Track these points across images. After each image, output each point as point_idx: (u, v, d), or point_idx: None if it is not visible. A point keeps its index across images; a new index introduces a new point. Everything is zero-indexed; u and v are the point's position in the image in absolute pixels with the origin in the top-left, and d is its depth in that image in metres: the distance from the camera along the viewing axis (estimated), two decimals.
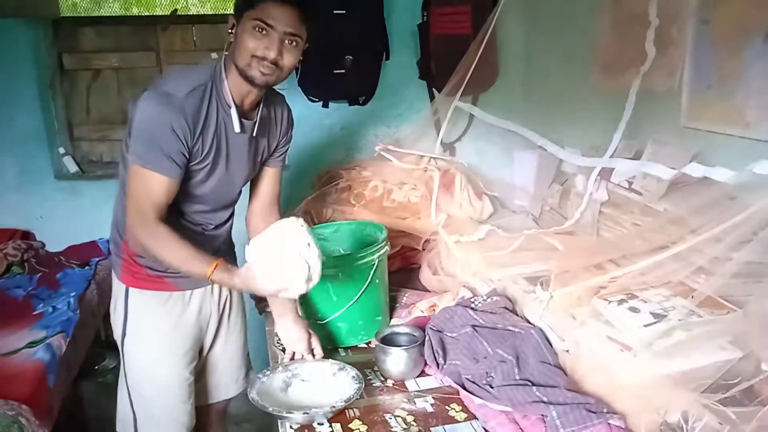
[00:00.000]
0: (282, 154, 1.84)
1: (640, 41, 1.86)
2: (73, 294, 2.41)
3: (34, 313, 2.31)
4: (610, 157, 1.89)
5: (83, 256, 2.78)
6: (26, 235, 2.91)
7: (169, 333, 1.73)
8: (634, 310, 1.40)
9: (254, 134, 1.65)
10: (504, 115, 2.53)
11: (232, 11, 1.54)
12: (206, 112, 1.53)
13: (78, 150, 3.11)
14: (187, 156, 1.52)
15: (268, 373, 1.63)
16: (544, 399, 1.32)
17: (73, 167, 3.03)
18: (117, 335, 1.75)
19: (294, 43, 1.50)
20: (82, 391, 2.51)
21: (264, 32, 1.46)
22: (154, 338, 1.72)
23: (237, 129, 1.59)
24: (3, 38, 2.75)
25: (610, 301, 1.45)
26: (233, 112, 1.57)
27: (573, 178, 2.09)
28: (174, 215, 1.61)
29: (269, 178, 1.84)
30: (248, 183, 1.81)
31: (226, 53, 1.58)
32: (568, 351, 1.49)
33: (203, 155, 1.56)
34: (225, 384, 1.97)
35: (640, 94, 1.87)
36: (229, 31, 1.53)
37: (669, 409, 1.19)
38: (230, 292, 1.89)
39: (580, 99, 2.32)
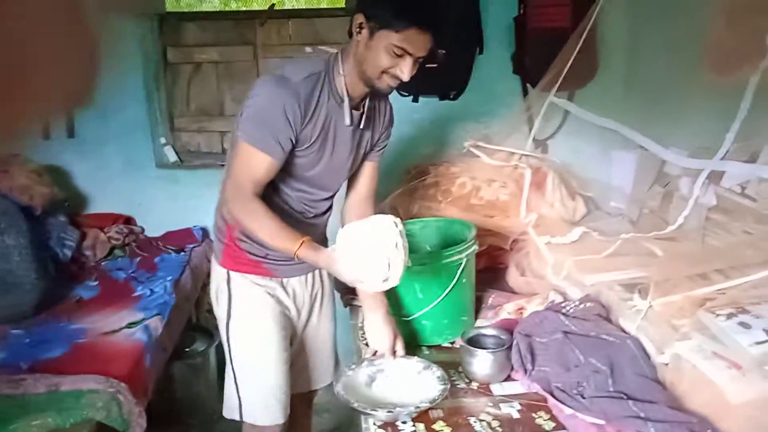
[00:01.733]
0: (381, 149, 1.85)
1: (759, 33, 1.72)
2: (169, 278, 2.53)
3: (134, 295, 2.44)
4: (722, 159, 1.76)
5: (179, 242, 2.91)
6: (128, 221, 3.08)
7: (272, 315, 1.77)
8: (744, 325, 1.30)
9: (360, 126, 1.69)
10: (602, 113, 2.42)
11: (359, 8, 1.53)
12: (318, 99, 1.57)
13: (177, 140, 3.25)
14: (294, 141, 1.57)
15: (353, 367, 1.63)
16: (642, 415, 1.25)
17: (173, 157, 3.17)
18: (221, 318, 1.79)
19: (420, 60, 1.54)
20: (173, 371, 2.63)
21: (401, 55, 1.50)
22: (259, 320, 1.76)
23: (348, 122, 1.64)
24: (113, 32, 2.90)
25: (718, 315, 1.35)
26: (346, 105, 1.62)
27: (677, 181, 1.97)
28: (278, 198, 1.68)
29: (367, 172, 1.85)
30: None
31: (339, 48, 1.63)
32: (667, 364, 1.40)
33: (311, 142, 1.61)
34: (314, 375, 2.00)
35: (757, 92, 1.73)
36: (357, 30, 1.53)
37: None
38: (322, 284, 1.93)
39: (688, 96, 2.18)
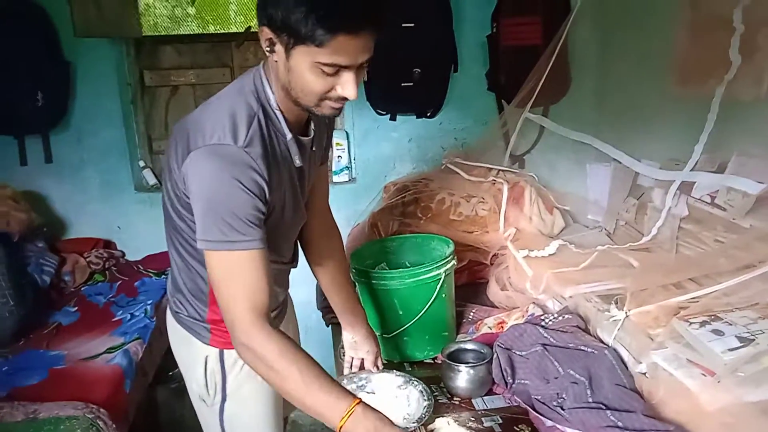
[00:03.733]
0: (326, 151, 1.60)
1: (722, 48, 1.77)
2: (150, 302, 2.51)
3: (114, 319, 2.43)
4: (691, 170, 1.79)
5: (160, 265, 2.89)
6: (108, 245, 3.06)
7: (268, 387, 1.45)
8: (717, 332, 1.32)
9: (312, 150, 1.43)
10: (576, 127, 2.46)
11: (261, 17, 1.16)
12: (269, 150, 1.25)
13: (156, 163, 3.25)
14: (265, 211, 1.24)
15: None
16: (620, 424, 1.26)
17: (152, 179, 3.16)
18: (212, 402, 1.55)
19: (366, 64, 1.20)
20: (156, 396, 2.60)
21: (336, 72, 1.16)
22: (257, 396, 1.55)
23: (298, 163, 1.34)
24: (91, 57, 2.91)
25: (692, 323, 1.37)
26: (291, 144, 1.31)
27: (650, 192, 2.00)
28: None
29: (320, 178, 1.61)
30: None
31: (258, 68, 1.29)
32: (645, 374, 1.41)
33: (278, 197, 1.31)
34: (288, 402, 1.93)
35: (723, 104, 1.77)
36: (268, 49, 1.19)
37: None
38: (286, 310, 1.76)
39: (658, 110, 2.22)
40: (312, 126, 1.39)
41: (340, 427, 1.15)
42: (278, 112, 1.27)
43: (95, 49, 2.91)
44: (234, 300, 1.20)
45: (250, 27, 3.12)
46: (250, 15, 3.32)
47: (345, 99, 1.21)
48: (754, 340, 1.27)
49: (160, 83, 3.16)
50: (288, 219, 1.41)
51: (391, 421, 1.20)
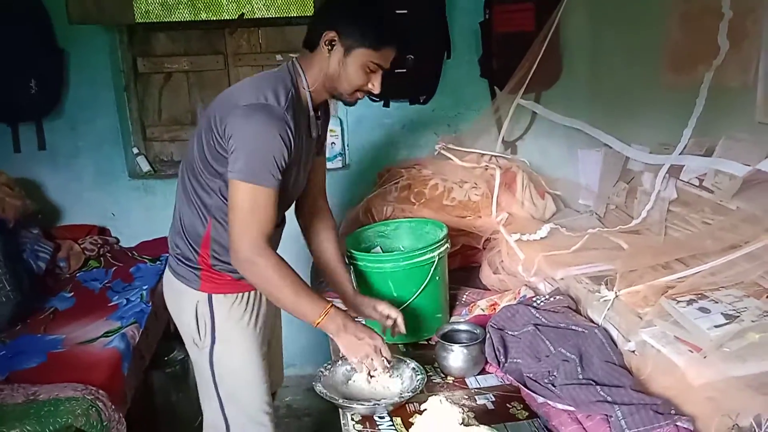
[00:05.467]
0: (324, 143, 1.86)
1: (712, 35, 1.79)
2: (145, 287, 2.53)
3: (110, 304, 2.44)
4: (680, 154, 1.83)
5: (154, 251, 2.91)
6: (102, 231, 3.07)
7: (254, 332, 1.75)
8: (704, 310, 1.36)
9: (320, 133, 1.72)
10: (568, 113, 2.49)
11: (329, 23, 1.53)
12: (296, 121, 1.54)
13: (150, 150, 3.25)
14: (288, 163, 1.52)
15: (329, 367, 1.66)
16: (609, 399, 1.30)
17: (145, 166, 3.17)
18: (203, 345, 1.72)
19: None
20: (152, 380, 2.62)
21: (374, 71, 1.56)
22: (243, 339, 1.73)
23: (314, 135, 1.67)
24: (84, 44, 2.91)
25: (679, 301, 1.41)
26: (312, 119, 1.64)
27: (640, 176, 2.04)
28: None
29: (317, 168, 1.85)
30: None
31: (295, 56, 1.63)
32: (634, 351, 1.45)
33: (295, 159, 1.57)
34: (275, 376, 2.00)
35: (712, 90, 1.80)
36: (328, 48, 1.53)
37: (741, 412, 1.14)
38: None
39: (648, 95, 2.26)
40: (320, 113, 1.69)
41: (318, 323, 1.53)
42: (309, 94, 1.60)
43: (88, 37, 2.90)
44: (250, 224, 1.48)
45: (243, 14, 3.13)
46: (242, 1, 3.32)
47: (369, 92, 1.60)
48: (738, 316, 1.31)
49: (154, 70, 3.16)
50: (292, 182, 1.65)
51: (355, 319, 1.60)
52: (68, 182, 3.05)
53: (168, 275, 1.78)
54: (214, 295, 1.70)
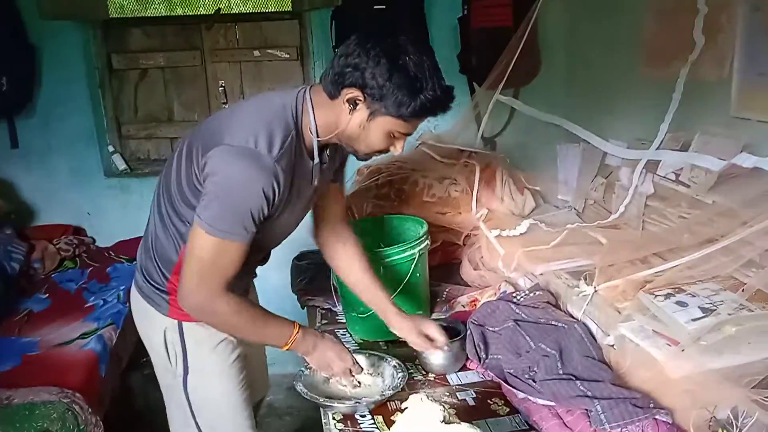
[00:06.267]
0: (342, 171, 1.70)
1: (687, 30, 1.81)
2: (122, 287, 2.50)
3: (86, 305, 2.41)
4: (657, 149, 1.84)
5: (132, 251, 2.84)
6: (78, 231, 3.03)
7: (229, 358, 1.62)
8: (681, 304, 1.37)
9: (324, 173, 1.53)
10: (546, 109, 2.50)
11: (355, 80, 1.28)
12: (293, 168, 1.37)
13: (126, 148, 3.21)
14: (267, 215, 1.36)
15: (310, 365, 1.64)
16: (589, 393, 1.31)
17: (121, 165, 3.12)
18: (176, 374, 1.60)
19: None
20: (130, 382, 2.59)
21: (399, 138, 1.38)
22: (218, 366, 1.61)
23: (315, 183, 1.49)
24: (56, 40, 2.85)
25: (657, 295, 1.42)
26: (316, 166, 1.45)
27: (617, 171, 2.05)
28: None
29: (335, 195, 1.70)
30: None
31: (308, 88, 1.41)
32: (612, 346, 1.46)
33: (275, 211, 1.40)
34: (260, 385, 1.96)
35: (687, 85, 1.82)
36: (350, 107, 1.32)
37: (718, 405, 1.16)
38: (255, 298, 1.85)
39: (626, 91, 2.27)
40: (327, 155, 1.49)
41: (286, 349, 1.47)
42: (316, 141, 1.40)
43: (61, 32, 2.85)
44: (209, 276, 1.35)
45: (219, 9, 3.09)
46: None
47: (387, 152, 1.41)
48: (715, 310, 1.32)
49: (129, 66, 3.12)
50: (277, 227, 1.50)
51: (326, 335, 1.56)
52: (42, 181, 3.00)
53: (135, 294, 1.63)
54: (184, 323, 1.56)
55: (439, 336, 1.59)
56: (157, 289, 1.56)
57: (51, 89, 2.92)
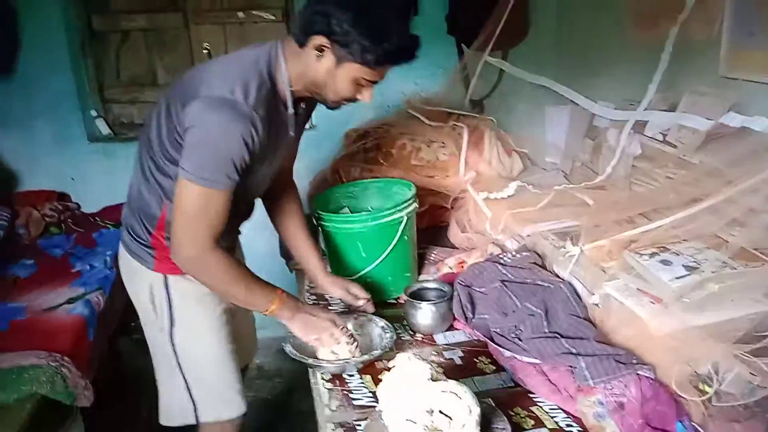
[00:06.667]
0: (304, 125, 1.71)
1: None
2: (108, 253, 2.48)
3: (73, 271, 2.39)
4: (645, 109, 1.84)
5: (117, 216, 2.83)
6: (62, 197, 2.99)
7: (215, 310, 1.67)
8: (666, 262, 1.38)
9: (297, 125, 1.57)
10: (535, 70, 2.48)
11: (321, 26, 1.31)
12: (269, 117, 1.40)
13: (109, 112, 3.16)
14: (249, 163, 1.39)
15: None
16: (573, 350, 1.32)
17: (105, 129, 3.08)
18: (162, 327, 1.65)
19: None
20: (119, 346, 2.60)
21: (366, 85, 1.42)
22: (204, 319, 1.66)
23: (292, 133, 1.54)
24: (35, 2, 2.77)
25: (642, 255, 1.43)
26: (291, 116, 1.49)
27: (605, 133, 2.05)
28: None
29: (291, 147, 1.70)
30: None
31: (278, 45, 1.43)
32: (597, 304, 1.48)
33: (260, 156, 1.44)
34: (248, 347, 2.00)
35: (677, 45, 1.80)
36: (317, 54, 1.35)
37: (699, 360, 1.17)
38: (235, 251, 1.84)
39: (614, 52, 2.25)
40: (302, 105, 1.54)
41: (269, 312, 1.49)
42: (289, 91, 1.44)
43: None
44: (197, 228, 1.38)
45: None
46: None
47: (356, 100, 1.45)
48: (699, 268, 1.33)
49: (110, 28, 3.04)
50: (258, 178, 1.54)
51: (307, 304, 1.60)
52: (24, 147, 2.96)
53: (122, 252, 1.67)
54: (169, 276, 1.60)
55: (361, 293, 1.70)
56: (142, 244, 1.59)
57: (31, 53, 2.85)
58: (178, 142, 1.40)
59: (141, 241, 1.60)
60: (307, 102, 1.56)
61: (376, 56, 1.32)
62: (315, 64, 1.37)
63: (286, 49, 1.42)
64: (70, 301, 2.12)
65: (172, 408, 1.72)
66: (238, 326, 1.84)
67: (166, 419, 1.74)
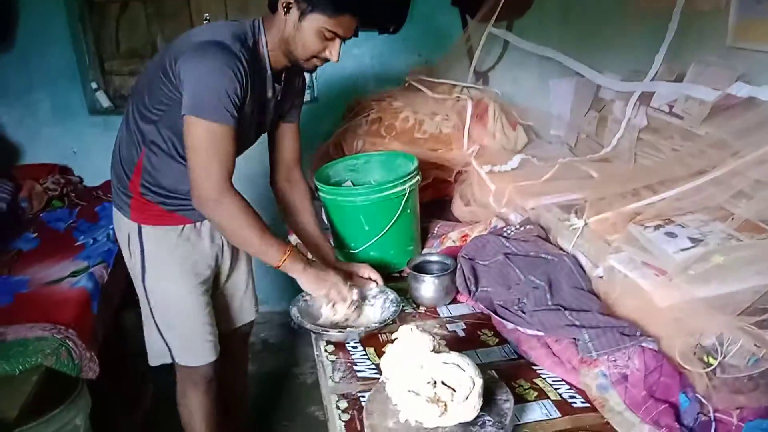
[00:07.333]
0: (298, 110, 1.82)
1: None
2: (111, 226, 2.46)
3: (76, 244, 2.39)
4: (651, 80, 1.81)
5: None
6: (64, 170, 2.98)
7: (186, 262, 1.75)
8: (670, 235, 1.37)
9: (278, 98, 1.67)
10: (540, 42, 2.45)
11: None
12: (250, 74, 1.49)
13: (110, 84, 3.12)
14: (241, 101, 1.48)
15: (308, 295, 1.65)
16: (577, 323, 1.32)
17: (105, 102, 3.05)
18: (135, 273, 1.77)
19: (344, 41, 1.54)
20: (123, 321, 2.60)
21: (331, 38, 1.49)
22: (174, 269, 1.74)
23: (270, 95, 1.62)
24: None
25: (646, 227, 1.43)
26: (269, 77, 1.59)
27: (611, 105, 2.02)
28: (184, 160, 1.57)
29: (290, 135, 1.83)
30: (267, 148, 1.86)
31: (258, 18, 1.57)
32: (602, 277, 1.47)
33: (247, 106, 1.54)
34: (245, 308, 2.03)
35: (684, 14, 1.78)
36: (284, 10, 1.48)
37: (704, 332, 1.17)
38: None
39: (620, 22, 2.22)
40: (282, 78, 1.65)
41: (280, 264, 1.53)
42: (267, 53, 1.56)
43: None
44: (209, 164, 1.45)
45: None
46: None
47: (327, 60, 1.54)
48: (703, 240, 1.33)
49: None
50: (245, 126, 1.60)
51: (316, 262, 1.63)
52: (25, 120, 2.93)
53: (113, 207, 1.79)
54: (143, 226, 1.70)
55: (373, 274, 1.71)
56: (122, 191, 1.70)
57: (30, 25, 2.81)
58: (168, 92, 1.50)
59: (121, 188, 1.70)
60: (290, 75, 1.68)
61: (332, 4, 1.44)
62: (283, 22, 1.50)
63: (265, 22, 1.56)
64: (74, 274, 2.12)
65: (152, 349, 1.84)
66: (232, 289, 1.97)
67: (150, 359, 1.87)
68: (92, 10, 2.99)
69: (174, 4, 3.02)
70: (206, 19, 3.02)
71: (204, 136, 1.44)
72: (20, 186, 2.71)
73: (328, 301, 1.58)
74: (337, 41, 1.51)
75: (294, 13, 1.48)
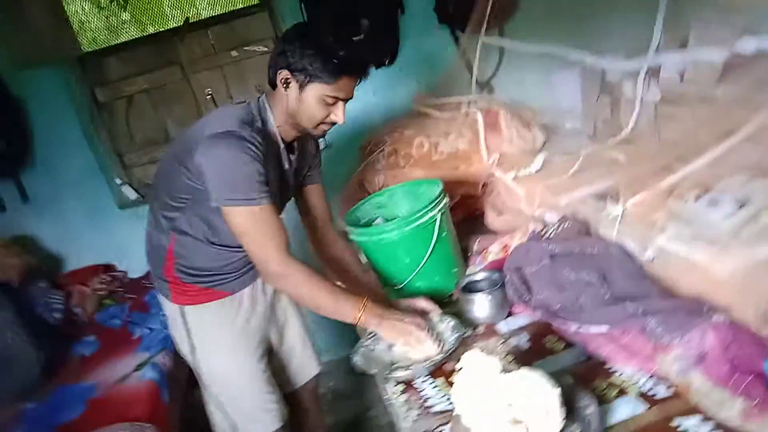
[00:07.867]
0: (317, 170, 1.90)
1: None
2: (163, 313, 2.51)
3: (134, 338, 2.44)
4: (655, 51, 1.79)
5: None
6: (108, 268, 3.06)
7: (233, 334, 1.78)
8: (713, 202, 1.34)
9: (294, 166, 1.73)
10: (534, 40, 2.44)
11: (281, 62, 1.53)
12: (264, 151, 1.53)
13: (133, 177, 3.22)
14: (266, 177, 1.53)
15: (371, 337, 1.65)
16: (640, 311, 1.29)
17: (132, 194, 3.14)
18: (186, 353, 1.81)
19: (347, 101, 1.59)
20: (195, 398, 2.63)
21: (333, 103, 1.55)
22: (221, 343, 1.77)
23: (286, 166, 1.69)
24: (36, 86, 2.85)
25: (687, 199, 1.40)
26: (283, 150, 1.66)
27: (620, 86, 2.00)
28: (213, 243, 1.68)
29: (316, 195, 1.90)
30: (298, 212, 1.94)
31: (262, 92, 1.64)
32: (653, 260, 1.44)
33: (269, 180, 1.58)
34: (306, 363, 2.06)
35: None
36: (284, 86, 1.55)
37: None
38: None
39: (609, 1, 2.21)
40: (295, 147, 1.72)
41: (358, 320, 1.53)
42: (276, 129, 1.62)
43: (40, 78, 2.85)
44: (264, 243, 1.51)
45: (188, 18, 3.06)
46: (185, 6, 3.25)
47: (334, 123, 1.60)
48: (748, 201, 1.29)
49: (114, 97, 3.11)
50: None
51: (393, 309, 1.60)
52: (60, 228, 3.04)
53: (158, 293, 1.84)
54: (185, 307, 1.75)
55: (429, 305, 1.69)
56: (160, 278, 1.75)
57: (46, 136, 2.93)
58: (190, 184, 1.54)
59: (159, 276, 1.75)
60: (302, 141, 1.74)
61: (328, 71, 1.49)
62: (286, 97, 1.56)
63: (269, 98, 1.62)
64: (138, 367, 2.17)
65: (219, 426, 1.87)
66: (288, 348, 1.99)
67: None
68: (101, 110, 3.10)
69: (176, 88, 3.12)
70: (209, 95, 3.10)
71: (248, 222, 1.50)
72: (70, 293, 2.79)
73: (404, 343, 1.56)
74: (340, 104, 1.56)
75: (294, 86, 1.54)
